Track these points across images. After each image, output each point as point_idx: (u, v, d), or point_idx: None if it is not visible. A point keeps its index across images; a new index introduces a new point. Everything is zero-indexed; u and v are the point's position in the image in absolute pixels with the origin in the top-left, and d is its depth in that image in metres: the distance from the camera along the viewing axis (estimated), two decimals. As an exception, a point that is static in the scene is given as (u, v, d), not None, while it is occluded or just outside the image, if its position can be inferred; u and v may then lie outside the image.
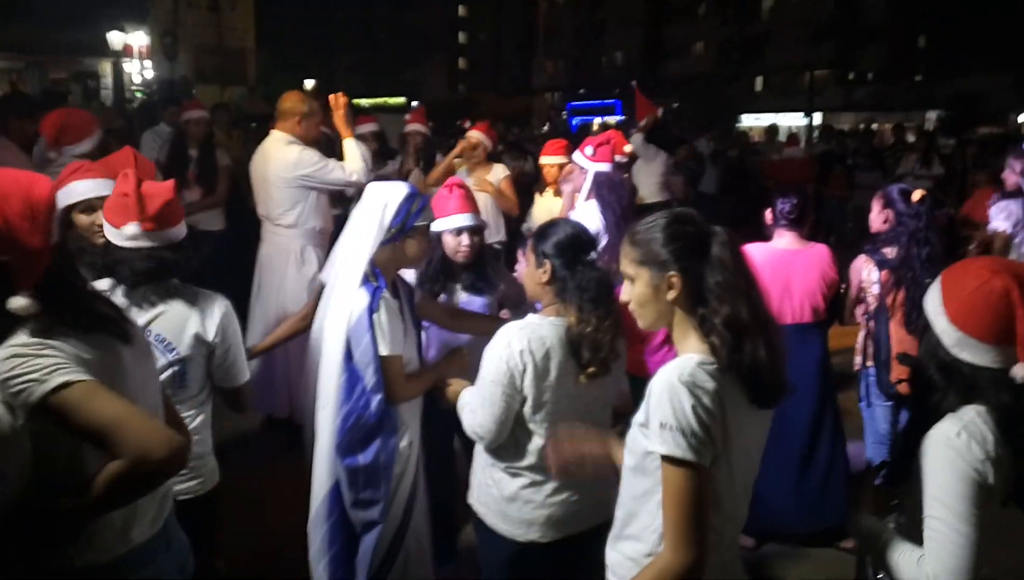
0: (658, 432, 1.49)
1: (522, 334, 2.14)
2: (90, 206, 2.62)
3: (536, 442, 2.18)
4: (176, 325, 2.20)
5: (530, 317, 2.24)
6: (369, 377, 2.31)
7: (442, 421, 2.67)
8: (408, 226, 2.40)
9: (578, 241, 2.22)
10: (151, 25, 15.44)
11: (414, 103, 42.42)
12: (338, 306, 2.36)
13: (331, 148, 6.84)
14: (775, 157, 11.62)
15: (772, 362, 1.57)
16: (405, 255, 2.45)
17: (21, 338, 1.43)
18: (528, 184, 6.21)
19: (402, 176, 5.99)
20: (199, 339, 2.23)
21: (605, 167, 4.12)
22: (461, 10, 61.40)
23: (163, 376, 2.12)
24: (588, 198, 4.09)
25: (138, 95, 20.54)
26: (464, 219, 2.99)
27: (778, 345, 1.61)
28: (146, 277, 2.17)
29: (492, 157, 5.83)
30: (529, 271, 2.29)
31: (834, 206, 11.12)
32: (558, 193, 4.99)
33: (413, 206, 2.40)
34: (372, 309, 2.30)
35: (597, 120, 37.53)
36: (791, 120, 38.59)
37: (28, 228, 1.44)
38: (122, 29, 18.54)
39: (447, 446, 3.16)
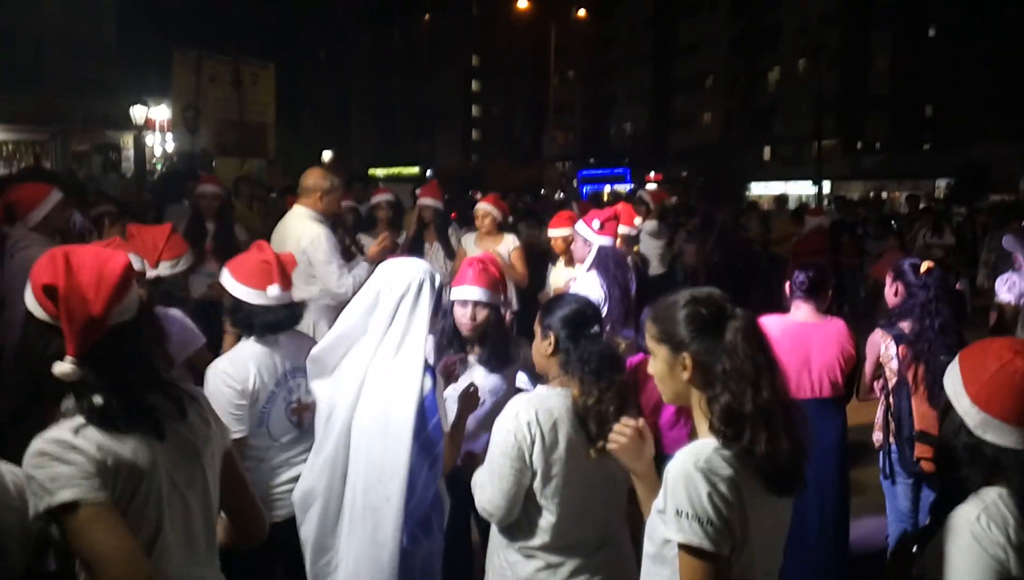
0: (675, 519, 1.47)
1: (529, 405, 2.15)
2: None
3: (547, 519, 2.14)
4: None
5: (539, 388, 2.26)
6: (437, 457, 2.33)
7: (457, 501, 2.62)
8: (445, 309, 2.47)
9: (581, 315, 2.26)
10: (173, 99, 15.85)
11: (428, 172, 43.51)
12: (398, 387, 2.28)
13: (358, 219, 6.97)
14: (787, 226, 11.56)
15: (790, 449, 1.55)
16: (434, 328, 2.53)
17: (57, 433, 1.44)
18: (544, 251, 6.28)
19: (405, 248, 6.07)
20: None
21: (609, 241, 4.17)
22: (475, 85, 63.08)
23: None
24: (590, 269, 4.15)
25: (158, 167, 21.09)
26: (473, 292, 2.96)
27: (798, 431, 1.58)
28: (279, 328, 2.65)
29: (506, 226, 5.90)
30: (536, 343, 2.33)
31: (847, 275, 11.11)
32: (570, 262, 5.04)
33: (439, 286, 2.41)
34: (434, 387, 2.35)
35: (607, 188, 38.24)
36: (800, 188, 39.04)
37: (90, 297, 1.48)
38: (144, 103, 19.12)
39: (463, 529, 3.09)
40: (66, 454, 1.42)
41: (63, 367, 1.44)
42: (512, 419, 2.13)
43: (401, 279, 2.34)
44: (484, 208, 5.73)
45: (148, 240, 3.34)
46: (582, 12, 43.90)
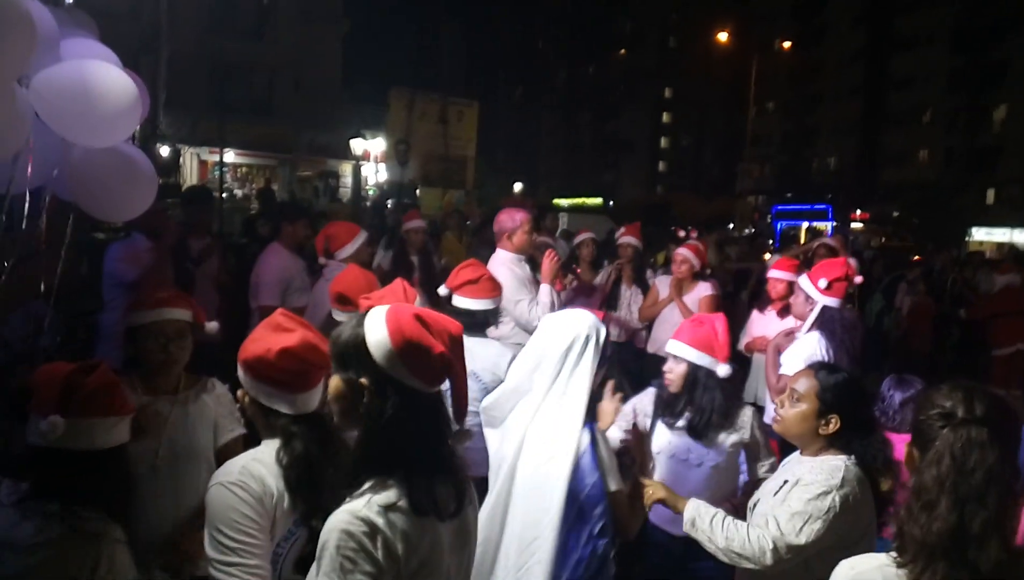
0: None
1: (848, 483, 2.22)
2: None
3: None
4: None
5: (848, 464, 2.27)
6: (596, 519, 2.22)
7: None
8: (603, 360, 2.36)
9: (865, 397, 2.37)
10: (387, 133, 17.18)
11: (610, 203, 43.59)
12: (555, 444, 2.26)
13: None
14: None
15: None
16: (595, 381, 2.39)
17: (363, 507, 1.43)
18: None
19: (607, 288, 6.11)
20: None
21: (835, 302, 3.93)
22: (665, 117, 62.58)
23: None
24: (811, 329, 3.91)
25: (371, 192, 22.82)
26: (677, 348, 2.94)
27: None
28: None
29: (701, 275, 5.74)
30: (801, 412, 2.31)
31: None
32: (784, 313, 4.81)
33: (604, 338, 2.36)
34: (594, 444, 2.27)
35: (804, 224, 36.23)
36: (1029, 236, 34.92)
37: (458, 370, 1.53)
38: (362, 136, 20.85)
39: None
40: (369, 541, 1.40)
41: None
42: (838, 489, 2.17)
43: (565, 334, 2.31)
44: (684, 254, 5.64)
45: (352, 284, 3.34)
46: (787, 44, 42.36)
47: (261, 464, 1.84)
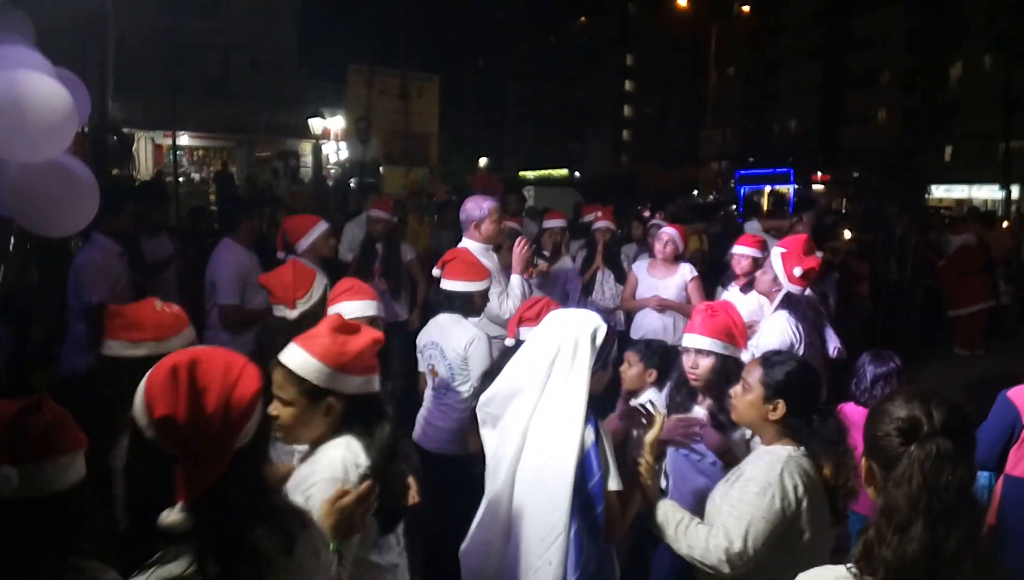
0: None
1: (794, 471, 2.21)
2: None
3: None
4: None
5: (785, 450, 2.28)
6: (597, 518, 2.18)
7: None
8: (605, 360, 2.32)
9: (813, 385, 2.35)
10: (347, 111, 16.85)
11: (576, 174, 43.49)
12: (557, 441, 2.20)
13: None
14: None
15: None
16: (597, 386, 2.34)
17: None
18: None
19: (588, 276, 6.04)
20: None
21: (800, 291, 3.96)
22: (628, 85, 62.38)
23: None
24: (778, 309, 3.93)
25: (333, 172, 22.49)
26: (695, 340, 2.86)
27: None
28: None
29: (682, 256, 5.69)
30: (751, 399, 2.35)
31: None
32: (748, 288, 4.79)
33: (605, 337, 2.30)
34: (597, 442, 2.21)
35: (767, 188, 36.56)
36: (985, 193, 35.62)
37: (215, 428, 1.31)
38: (321, 115, 20.45)
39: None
40: None
41: (173, 517, 1.27)
42: (778, 484, 2.17)
43: (564, 333, 2.27)
44: (671, 234, 5.50)
45: (278, 282, 3.25)
46: (746, 8, 42.33)
47: (353, 454, 1.97)
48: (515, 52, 60.59)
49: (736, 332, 2.85)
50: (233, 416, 1.33)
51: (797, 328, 3.79)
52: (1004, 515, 3.10)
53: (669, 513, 2.32)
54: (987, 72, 37.40)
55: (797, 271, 3.85)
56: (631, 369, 3.31)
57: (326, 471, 1.93)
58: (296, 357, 1.98)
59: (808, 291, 4.20)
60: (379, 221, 6.16)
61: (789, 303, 3.90)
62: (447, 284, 3.68)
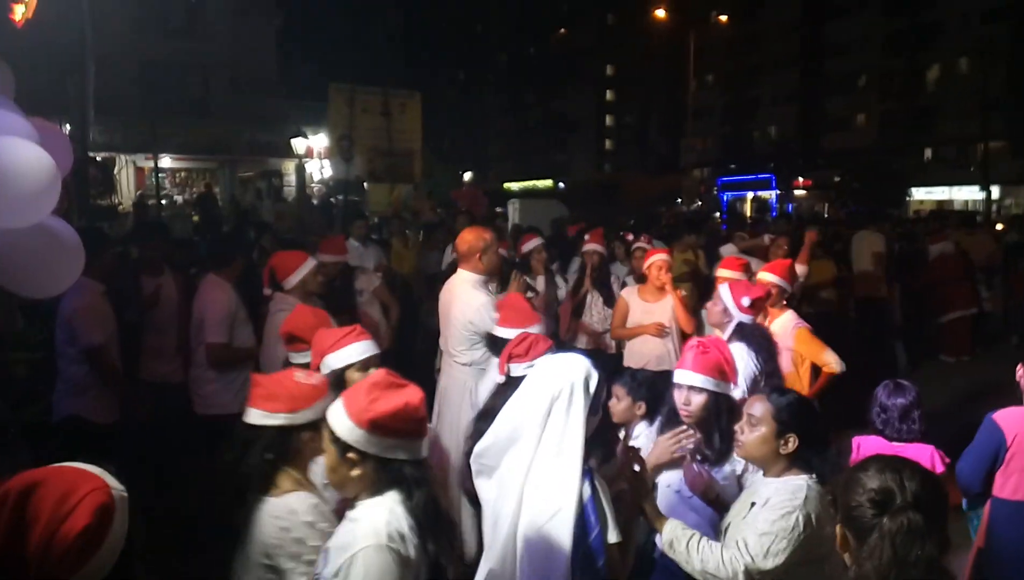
0: None
1: (809, 499, 2.30)
2: (364, 365, 2.92)
3: None
4: None
5: (804, 481, 2.37)
6: (599, 572, 2.14)
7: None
8: (596, 405, 2.27)
9: (816, 416, 2.45)
10: (329, 129, 16.82)
11: (560, 185, 43.57)
12: (556, 496, 2.16)
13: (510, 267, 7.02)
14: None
15: None
16: (588, 429, 2.26)
17: None
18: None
19: (579, 299, 6.03)
20: None
21: (750, 320, 3.97)
22: (609, 95, 62.70)
23: None
24: (731, 341, 3.83)
25: (316, 189, 22.42)
26: (686, 377, 2.82)
27: None
28: None
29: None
30: (761, 435, 2.43)
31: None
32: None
33: (597, 384, 2.27)
34: (594, 495, 2.18)
35: (750, 194, 36.76)
36: (966, 194, 36.01)
37: (36, 570, 1.15)
38: (304, 134, 20.39)
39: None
40: None
41: None
42: (802, 509, 2.25)
43: (555, 381, 2.22)
44: (663, 260, 5.38)
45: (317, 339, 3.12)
46: (724, 17, 42.71)
47: (396, 519, 1.88)
48: (495, 64, 60.87)
49: (728, 369, 2.84)
50: (55, 555, 1.15)
51: (756, 359, 3.79)
52: (992, 537, 3.13)
53: (677, 531, 2.40)
54: (964, 74, 37.92)
55: (745, 301, 3.86)
56: (619, 403, 3.27)
57: (370, 537, 1.85)
58: (335, 405, 1.96)
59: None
60: (328, 265, 5.65)
61: (742, 334, 3.88)
62: (502, 331, 3.76)
